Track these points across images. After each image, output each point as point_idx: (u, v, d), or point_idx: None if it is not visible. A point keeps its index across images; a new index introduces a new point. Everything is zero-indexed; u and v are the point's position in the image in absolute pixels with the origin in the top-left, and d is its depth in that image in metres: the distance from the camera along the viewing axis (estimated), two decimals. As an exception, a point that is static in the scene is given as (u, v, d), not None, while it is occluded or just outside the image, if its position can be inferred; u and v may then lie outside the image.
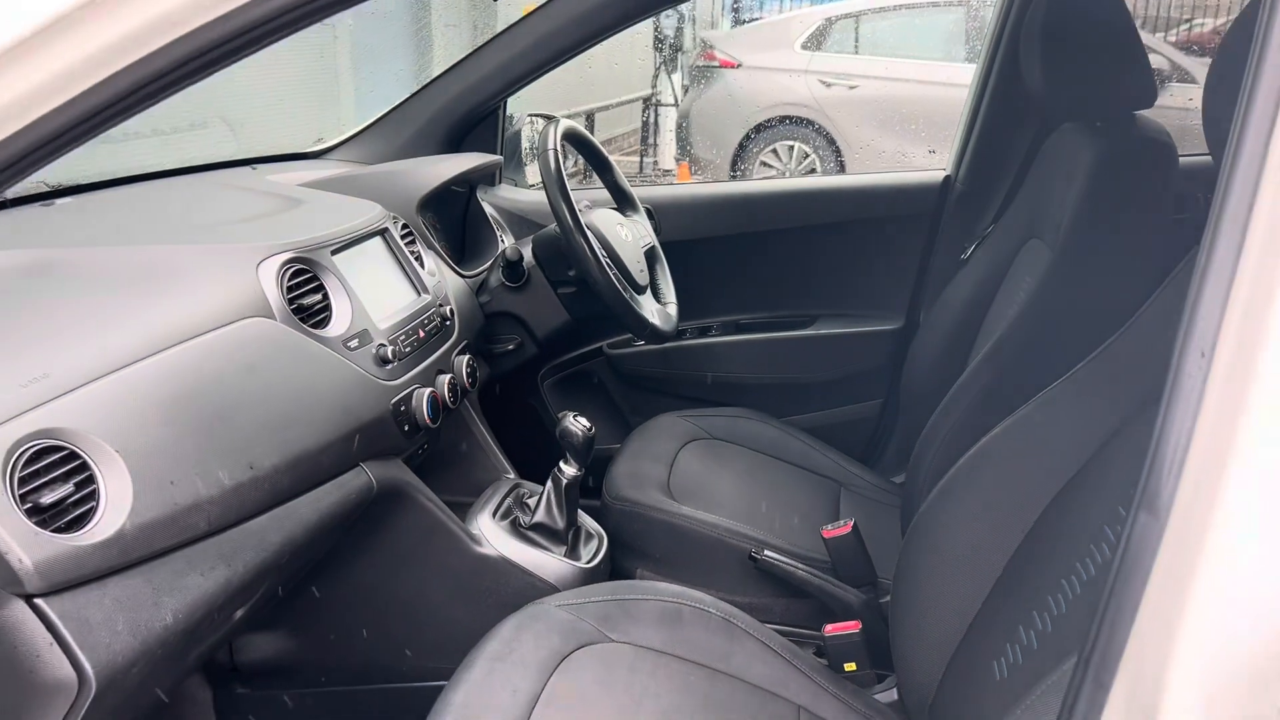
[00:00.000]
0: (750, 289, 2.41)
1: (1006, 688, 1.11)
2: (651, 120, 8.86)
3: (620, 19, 2.09)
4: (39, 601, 0.97)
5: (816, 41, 7.85)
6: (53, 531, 0.98)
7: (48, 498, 0.99)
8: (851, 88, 7.60)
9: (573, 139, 1.90)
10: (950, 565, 1.37)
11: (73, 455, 1.03)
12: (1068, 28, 1.63)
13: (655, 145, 8.65)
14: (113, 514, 1.04)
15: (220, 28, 0.75)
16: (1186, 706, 0.67)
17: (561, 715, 1.27)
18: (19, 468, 0.98)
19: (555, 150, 1.76)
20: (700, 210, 2.40)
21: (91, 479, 1.04)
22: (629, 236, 1.95)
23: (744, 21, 9.84)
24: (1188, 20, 7.66)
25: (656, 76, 8.81)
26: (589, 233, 1.77)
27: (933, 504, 1.47)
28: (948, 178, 2.31)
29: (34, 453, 1.00)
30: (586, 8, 2.08)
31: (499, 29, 2.18)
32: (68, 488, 1.01)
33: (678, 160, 8.43)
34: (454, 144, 2.26)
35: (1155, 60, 5.59)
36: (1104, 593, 0.72)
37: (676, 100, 8.72)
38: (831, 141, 7.62)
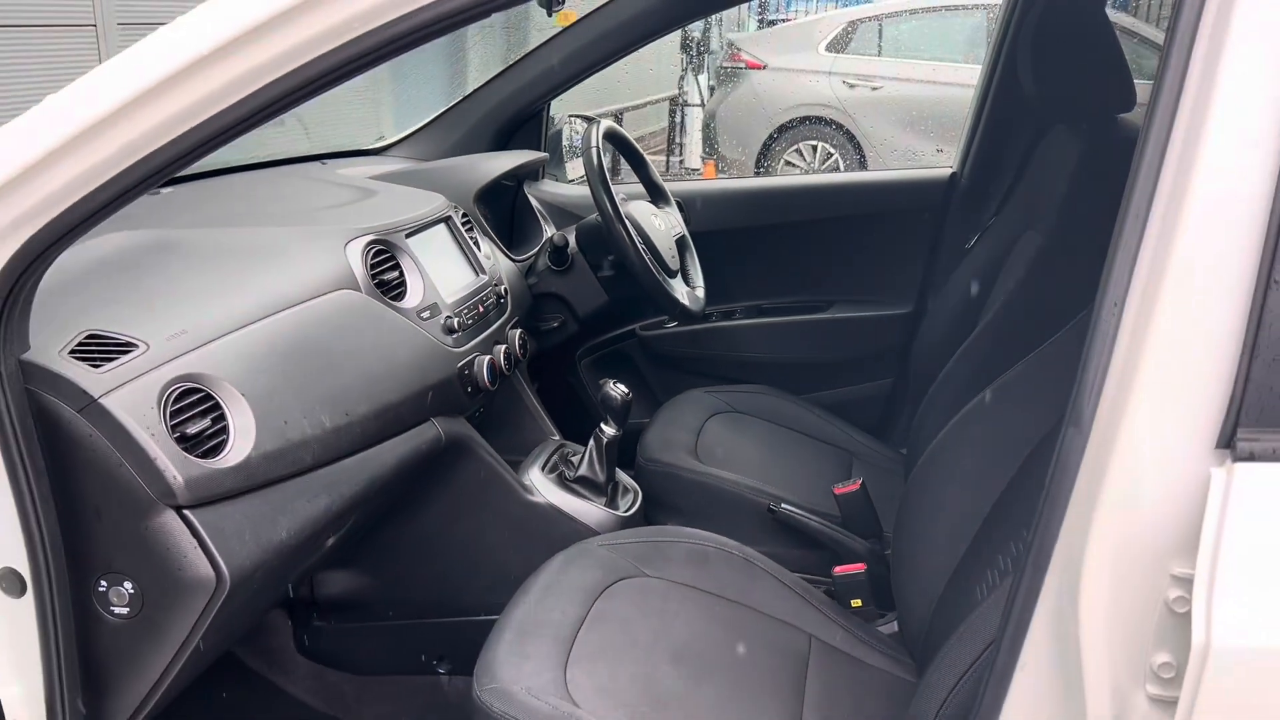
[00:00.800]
0: (771, 276, 2.61)
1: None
2: (679, 120, 9.04)
3: (658, 28, 2.30)
4: (186, 512, 1.19)
5: (840, 44, 8.03)
6: (196, 457, 1.21)
7: (191, 429, 1.22)
8: (874, 89, 7.78)
9: (612, 138, 2.12)
10: (942, 512, 1.58)
11: (208, 396, 1.26)
12: (1056, 37, 1.82)
13: (682, 144, 8.84)
14: (241, 444, 1.26)
15: (365, 42, 0.96)
16: (1101, 580, 0.87)
17: (603, 634, 1.47)
18: (169, 404, 1.20)
19: (598, 148, 1.97)
20: (726, 203, 2.61)
21: (223, 416, 1.26)
22: (662, 226, 2.16)
23: (769, 24, 9.99)
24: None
25: (683, 77, 8.99)
26: (627, 222, 1.99)
27: (928, 459, 1.68)
28: (954, 174, 2.51)
29: (179, 393, 1.23)
30: (626, 17, 2.29)
31: (530, 34, 2.39)
32: (205, 422, 1.24)
33: (704, 159, 8.62)
34: (502, 143, 2.48)
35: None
36: (1042, 495, 0.92)
37: (703, 100, 8.90)
38: (854, 141, 7.81)
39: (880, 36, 8.25)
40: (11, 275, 1.07)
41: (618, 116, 8.55)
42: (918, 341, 2.33)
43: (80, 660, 1.21)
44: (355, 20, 0.98)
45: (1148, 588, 0.85)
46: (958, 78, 7.29)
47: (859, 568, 1.75)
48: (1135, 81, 1.77)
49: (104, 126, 1.03)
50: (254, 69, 1.00)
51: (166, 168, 1.05)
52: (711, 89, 9.13)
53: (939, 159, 6.99)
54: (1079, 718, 0.89)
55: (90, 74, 1.05)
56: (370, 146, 2.48)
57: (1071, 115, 1.90)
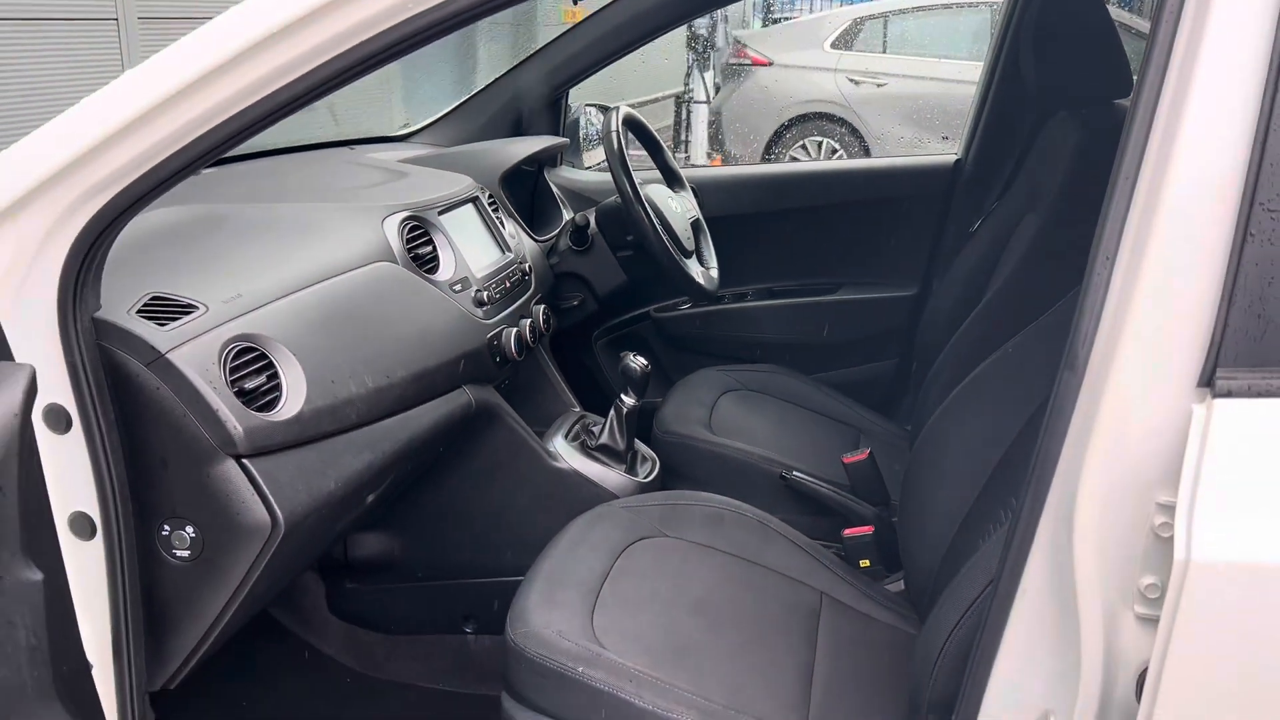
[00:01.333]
0: (781, 259, 2.70)
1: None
2: (684, 117, 9.11)
3: (670, 21, 2.39)
4: (245, 461, 1.28)
5: (846, 41, 8.12)
6: (254, 410, 1.30)
7: (249, 385, 1.31)
8: (880, 85, 7.87)
9: (631, 124, 2.21)
10: (946, 476, 1.66)
11: (262, 355, 1.35)
12: (1056, 26, 1.91)
13: (688, 141, 8.91)
14: (293, 400, 1.35)
15: (398, 31, 1.06)
16: (1093, 510, 0.96)
17: (626, 586, 1.56)
18: (228, 361, 1.30)
19: (618, 132, 2.06)
20: (738, 189, 2.70)
21: (276, 374, 1.35)
22: (678, 209, 2.25)
23: (774, 21, 10.06)
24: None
25: (689, 74, 9.07)
26: (646, 204, 2.08)
27: (932, 428, 1.77)
28: (958, 161, 2.60)
29: (237, 351, 1.32)
30: (640, 10, 2.38)
31: (538, 31, 2.49)
32: (261, 379, 1.33)
33: (710, 156, 8.70)
34: (521, 130, 2.57)
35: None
36: (1040, 435, 1.01)
37: (708, 97, 8.98)
38: (860, 137, 7.89)
39: (885, 33, 8.33)
40: (87, 239, 1.17)
41: (624, 112, 8.57)
42: (923, 322, 2.42)
43: (144, 601, 1.30)
44: (382, 15, 1.07)
45: (1135, 516, 0.94)
46: (962, 74, 7.38)
47: (867, 530, 1.84)
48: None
49: (168, 105, 1.12)
50: (299, 56, 1.09)
51: (224, 144, 1.15)
52: (717, 86, 9.20)
53: (938, 149, 7.07)
54: (1074, 637, 0.98)
55: (155, 58, 1.15)
56: (395, 133, 2.57)
57: (1071, 102, 1.99)
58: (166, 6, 4.98)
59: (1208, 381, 0.90)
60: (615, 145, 2.04)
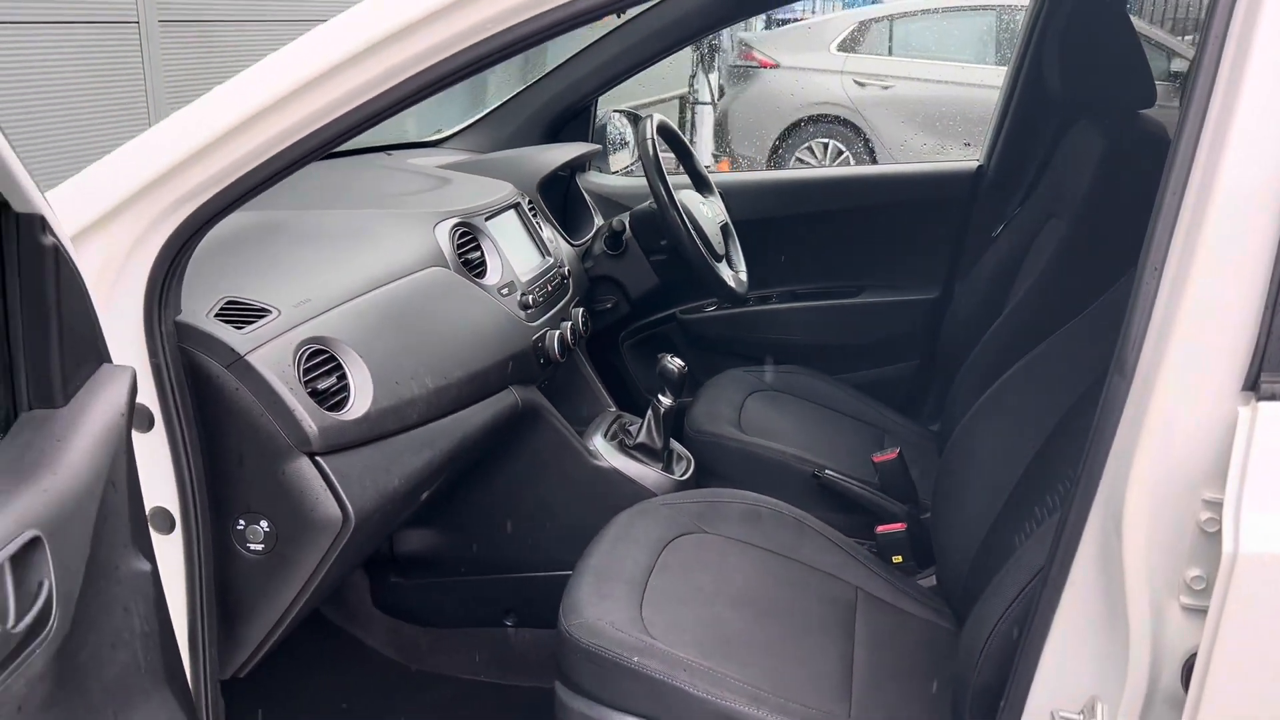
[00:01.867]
0: (805, 262, 2.76)
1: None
2: (689, 119, 9.15)
3: (699, 30, 2.44)
4: (318, 458, 1.34)
5: (852, 43, 8.17)
6: (326, 409, 1.35)
7: (320, 385, 1.36)
8: (885, 88, 7.92)
9: (664, 132, 2.27)
10: (979, 474, 1.72)
11: (332, 357, 1.41)
12: (1081, 36, 1.96)
13: (694, 143, 8.95)
14: (361, 400, 1.41)
15: (510, 35, 1.11)
16: (1141, 506, 1.02)
17: (671, 581, 1.62)
18: (301, 362, 1.35)
19: (653, 140, 2.12)
20: (763, 194, 2.76)
21: (344, 375, 1.41)
22: (709, 213, 2.31)
23: (777, 24, 10.10)
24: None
25: (694, 76, 9.11)
26: (680, 209, 2.13)
27: (964, 428, 1.82)
28: (980, 167, 2.65)
29: (309, 353, 1.37)
30: (668, 19, 2.43)
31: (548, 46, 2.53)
32: (331, 380, 1.38)
33: (716, 158, 8.74)
34: (552, 137, 2.63)
35: (1179, 64, 5.88)
36: (1089, 436, 1.06)
37: (713, 99, 9.02)
38: (865, 139, 7.95)
39: (891, 36, 8.38)
40: (173, 247, 1.22)
41: (630, 114, 8.60)
42: (945, 325, 2.48)
43: (218, 593, 1.36)
44: (490, 20, 1.13)
45: (1182, 511, 1.00)
46: (966, 77, 7.44)
47: (900, 527, 1.90)
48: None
49: (252, 122, 1.18)
50: (385, 72, 1.15)
51: (305, 157, 1.20)
52: (721, 88, 9.24)
53: (951, 154, 7.14)
54: (1121, 627, 1.03)
55: (240, 76, 1.20)
56: (428, 139, 2.62)
57: (1095, 111, 2.04)
58: (187, 8, 5.03)
59: (1253, 385, 0.96)
60: (651, 152, 2.09)
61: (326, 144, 1.19)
